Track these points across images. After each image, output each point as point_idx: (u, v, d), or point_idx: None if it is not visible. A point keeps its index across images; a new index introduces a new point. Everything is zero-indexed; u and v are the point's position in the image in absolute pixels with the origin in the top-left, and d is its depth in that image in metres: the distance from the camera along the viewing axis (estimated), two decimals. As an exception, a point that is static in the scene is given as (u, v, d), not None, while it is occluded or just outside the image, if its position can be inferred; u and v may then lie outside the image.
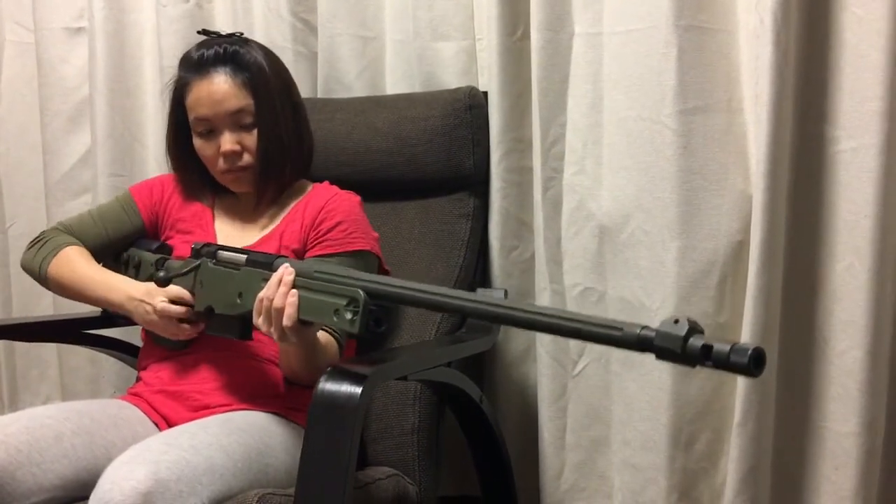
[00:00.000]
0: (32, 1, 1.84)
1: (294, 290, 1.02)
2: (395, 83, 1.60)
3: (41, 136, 1.86)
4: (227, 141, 1.26)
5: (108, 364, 1.78)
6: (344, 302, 0.98)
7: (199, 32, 1.34)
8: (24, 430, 1.08)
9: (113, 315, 1.38)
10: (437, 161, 1.46)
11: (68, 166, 1.86)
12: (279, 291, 1.03)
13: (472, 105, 1.46)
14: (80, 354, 1.83)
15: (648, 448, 1.35)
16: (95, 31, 1.76)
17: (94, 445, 1.12)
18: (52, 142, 1.85)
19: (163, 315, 1.20)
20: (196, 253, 1.21)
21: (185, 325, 1.21)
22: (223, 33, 1.32)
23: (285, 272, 1.04)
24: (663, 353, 0.81)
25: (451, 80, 1.55)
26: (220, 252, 1.19)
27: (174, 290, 1.21)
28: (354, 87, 1.64)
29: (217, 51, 1.27)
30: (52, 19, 1.83)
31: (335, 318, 0.99)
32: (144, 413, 1.23)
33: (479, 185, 1.48)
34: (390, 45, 1.60)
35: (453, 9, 1.55)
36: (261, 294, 1.05)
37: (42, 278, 1.34)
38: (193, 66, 1.28)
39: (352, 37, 1.63)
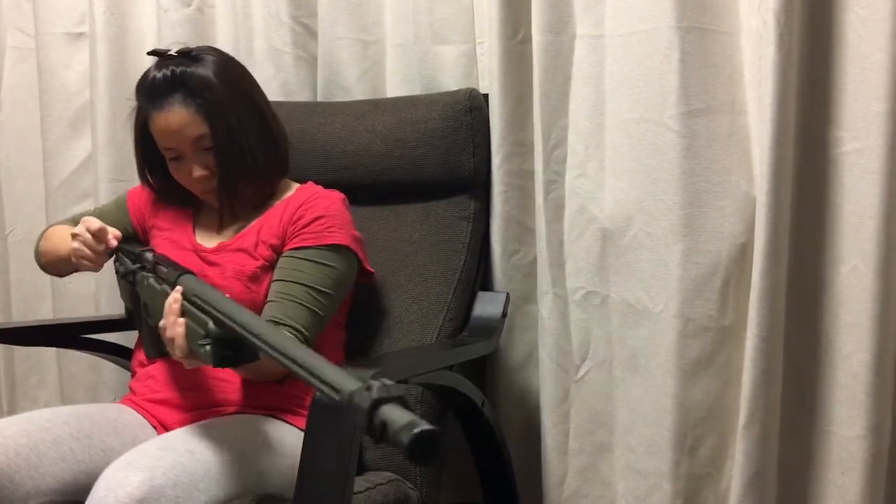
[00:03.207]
0: (33, 7, 1.84)
1: (181, 320, 0.99)
2: (395, 87, 1.60)
3: (42, 142, 1.86)
4: (196, 169, 1.26)
5: (108, 371, 1.77)
6: (203, 332, 0.93)
7: (148, 54, 1.31)
8: (22, 433, 1.07)
9: (111, 320, 1.38)
10: (436, 164, 1.45)
11: (69, 172, 1.85)
12: (168, 320, 1.00)
13: (472, 107, 1.46)
14: (79, 361, 1.82)
15: (652, 453, 1.34)
16: (96, 37, 1.75)
17: (93, 449, 1.11)
18: (52, 147, 1.85)
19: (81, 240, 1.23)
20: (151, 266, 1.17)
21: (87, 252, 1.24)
22: (173, 52, 1.28)
23: (172, 298, 1.01)
24: (366, 430, 0.65)
25: (452, 83, 1.55)
26: (159, 267, 1.14)
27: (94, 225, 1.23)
28: (355, 91, 1.64)
29: (166, 74, 1.24)
30: (54, 25, 1.83)
31: (201, 350, 0.93)
32: (144, 418, 1.23)
33: (479, 187, 1.47)
34: (391, 49, 1.60)
35: (454, 12, 1.54)
36: (161, 323, 1.02)
37: (38, 260, 1.39)
38: (148, 94, 1.26)
39: (352, 41, 1.63)
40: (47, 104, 1.84)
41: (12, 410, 1.93)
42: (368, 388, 0.65)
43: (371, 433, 0.65)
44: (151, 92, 1.25)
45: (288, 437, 1.16)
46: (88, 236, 1.23)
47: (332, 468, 0.92)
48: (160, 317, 1.07)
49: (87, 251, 1.23)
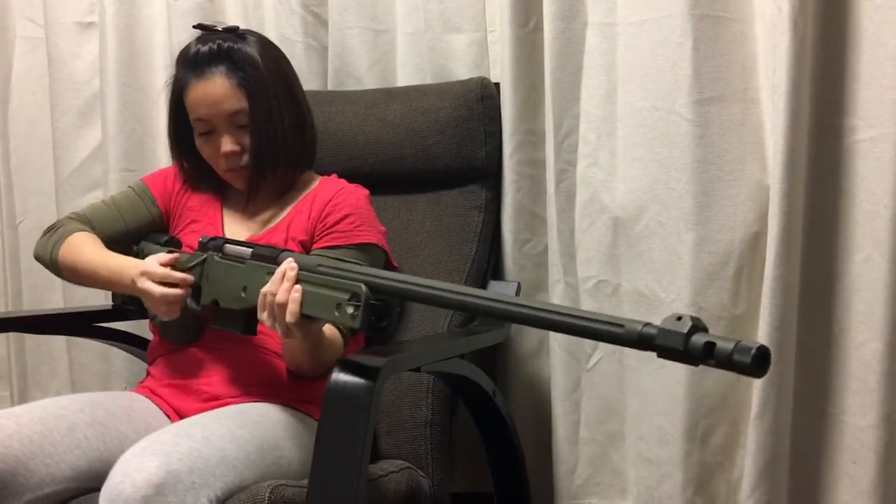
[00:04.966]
0: (43, -5, 1.84)
1: (297, 286, 1.01)
2: (406, 76, 1.59)
3: (51, 132, 1.86)
4: (227, 143, 1.26)
5: (119, 360, 1.78)
6: (346, 296, 0.97)
7: (194, 27, 1.33)
8: (37, 421, 1.07)
9: (123, 308, 1.38)
10: (448, 153, 1.45)
11: (79, 161, 1.85)
12: (282, 287, 1.01)
13: (483, 96, 1.45)
14: (90, 351, 1.82)
15: (664, 442, 1.34)
16: (106, 26, 1.75)
17: (107, 437, 1.11)
18: (62, 137, 1.85)
19: (162, 298, 1.17)
20: (203, 246, 1.20)
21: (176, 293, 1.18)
22: (220, 28, 1.30)
23: (288, 267, 1.02)
24: (665, 352, 0.78)
25: (463, 72, 1.54)
26: (227, 245, 1.18)
27: (165, 257, 1.19)
28: (365, 80, 1.63)
29: (212, 48, 1.25)
30: (63, 14, 1.82)
31: (337, 314, 0.97)
32: (157, 405, 1.23)
33: (491, 176, 1.47)
34: (402, 38, 1.59)
35: (465, 1, 1.53)
36: (264, 289, 1.04)
37: (53, 265, 1.33)
38: (190, 64, 1.27)
39: (363, 30, 1.62)
40: (57, 94, 1.84)
41: (23, 400, 1.93)
42: (680, 319, 0.78)
43: (685, 356, 0.77)
44: (195, 62, 1.26)
45: (303, 426, 1.16)
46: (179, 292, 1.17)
47: (346, 455, 0.92)
48: (232, 293, 1.11)
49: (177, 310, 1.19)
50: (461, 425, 1.36)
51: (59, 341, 1.90)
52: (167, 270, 1.18)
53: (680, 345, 0.77)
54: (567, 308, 0.86)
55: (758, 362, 0.75)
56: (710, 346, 0.76)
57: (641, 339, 0.80)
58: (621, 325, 0.81)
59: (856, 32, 1.23)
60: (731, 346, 0.75)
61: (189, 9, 1.72)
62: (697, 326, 0.78)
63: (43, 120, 1.89)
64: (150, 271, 1.18)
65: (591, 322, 0.83)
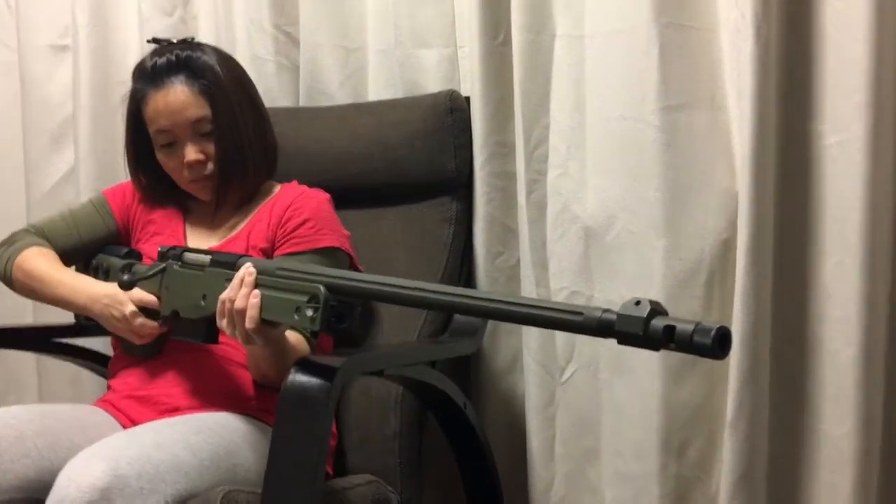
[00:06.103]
0: (16, 19, 1.84)
1: (256, 291, 0.99)
2: (377, 93, 1.59)
3: (23, 155, 1.85)
4: (191, 152, 1.25)
5: (90, 384, 1.74)
6: (305, 299, 0.95)
7: (148, 41, 1.33)
8: (-15, 430, 1.04)
9: (86, 325, 1.35)
10: (418, 165, 1.45)
11: (50, 185, 1.85)
12: (241, 292, 0.99)
13: (453, 108, 1.45)
14: (61, 378, 1.79)
15: (640, 456, 1.31)
16: (79, 49, 1.76)
17: (59, 447, 1.08)
18: (35, 160, 1.85)
19: (140, 329, 1.18)
20: (162, 256, 1.19)
21: (152, 325, 1.19)
22: (174, 41, 1.30)
23: (247, 272, 1.01)
24: (625, 338, 0.77)
25: (434, 87, 1.54)
26: (186, 254, 1.16)
27: (137, 294, 1.18)
28: (337, 97, 1.63)
29: (169, 58, 1.25)
30: (36, 37, 1.83)
31: (296, 317, 0.96)
32: (114, 417, 1.20)
33: (461, 189, 1.46)
34: (373, 54, 1.59)
35: (434, 16, 1.54)
36: (223, 295, 1.02)
37: (7, 279, 1.31)
38: (148, 76, 1.26)
39: (334, 47, 1.63)
40: (30, 117, 1.84)
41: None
42: (638, 303, 0.77)
43: (645, 340, 0.76)
44: (152, 73, 1.25)
45: (261, 435, 1.13)
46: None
47: (302, 458, 0.90)
48: (192, 302, 1.09)
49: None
50: (436, 445, 1.33)
51: (28, 369, 1.87)
52: (144, 322, 1.18)
53: (640, 329, 0.76)
54: (526, 298, 0.85)
55: (718, 343, 0.74)
56: (670, 329, 0.75)
57: (601, 326, 0.79)
58: (580, 313, 0.80)
59: (819, 38, 1.23)
60: (690, 328, 0.74)
61: (161, 29, 1.72)
62: (657, 310, 0.77)
63: (15, 144, 1.88)
64: (128, 319, 1.18)
65: (549, 311, 0.81)
